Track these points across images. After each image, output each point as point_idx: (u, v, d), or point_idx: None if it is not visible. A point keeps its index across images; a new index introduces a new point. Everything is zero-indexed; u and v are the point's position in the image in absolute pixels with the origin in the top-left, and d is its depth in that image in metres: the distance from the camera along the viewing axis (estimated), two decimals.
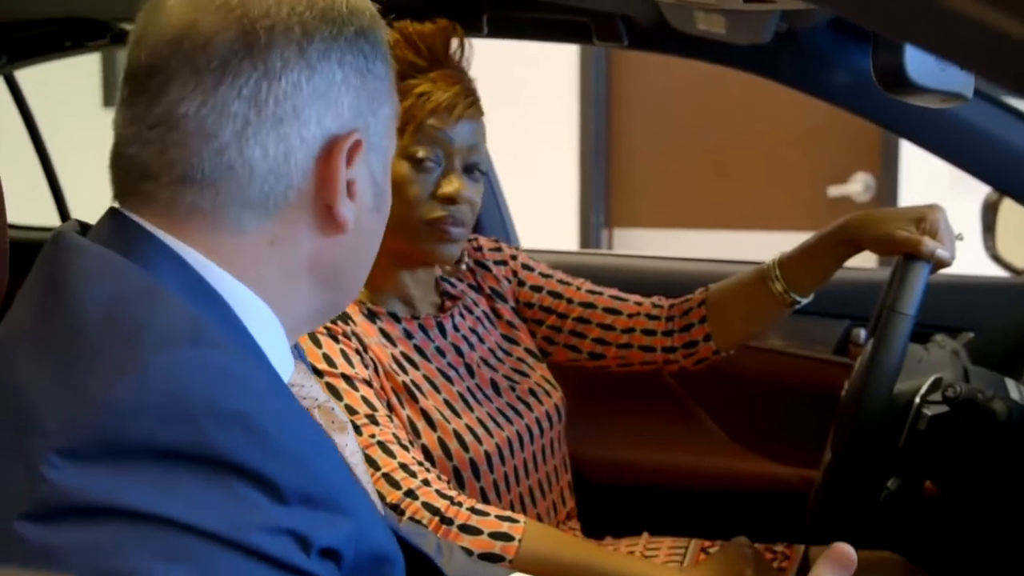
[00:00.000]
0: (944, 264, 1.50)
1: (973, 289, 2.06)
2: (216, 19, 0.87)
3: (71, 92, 4.14)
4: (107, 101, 4.39)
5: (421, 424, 1.49)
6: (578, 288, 1.77)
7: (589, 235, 4.09)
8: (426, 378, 1.54)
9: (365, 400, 1.44)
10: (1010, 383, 1.47)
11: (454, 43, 1.59)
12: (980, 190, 1.99)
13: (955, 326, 1.78)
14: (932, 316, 1.58)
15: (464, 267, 1.74)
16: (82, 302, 0.81)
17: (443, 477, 1.45)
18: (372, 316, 1.55)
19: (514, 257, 1.80)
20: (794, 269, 1.63)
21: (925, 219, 1.51)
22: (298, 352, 1.09)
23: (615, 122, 4.08)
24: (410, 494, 1.39)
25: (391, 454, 1.40)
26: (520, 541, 1.38)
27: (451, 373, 1.59)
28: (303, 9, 0.89)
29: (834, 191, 3.76)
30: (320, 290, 0.95)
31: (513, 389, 1.64)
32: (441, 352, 1.60)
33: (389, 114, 0.97)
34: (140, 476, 0.73)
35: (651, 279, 2.22)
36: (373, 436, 1.41)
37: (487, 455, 1.52)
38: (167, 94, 0.87)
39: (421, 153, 1.52)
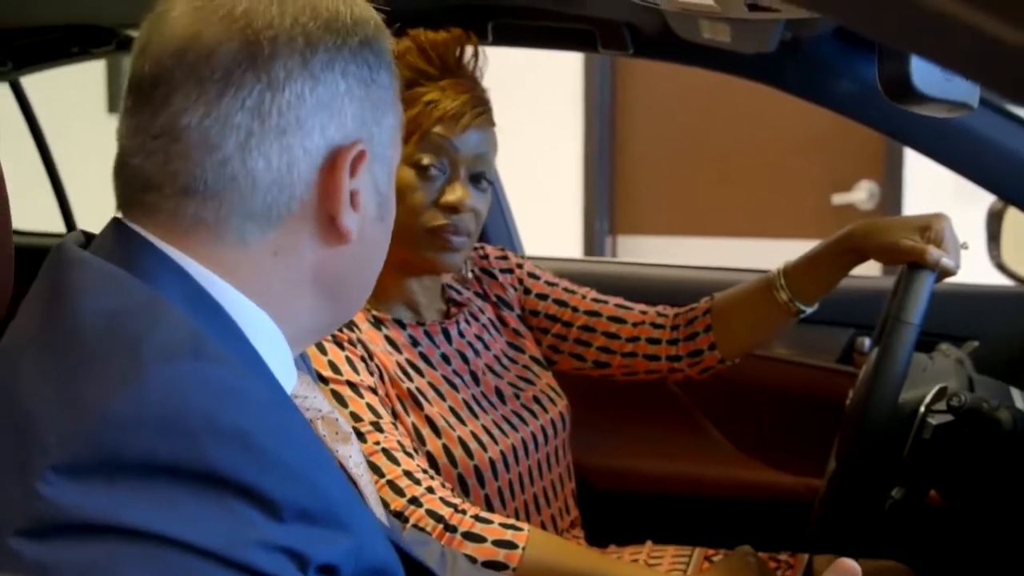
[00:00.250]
0: (949, 273, 1.50)
1: (978, 298, 2.06)
2: (219, 30, 0.87)
3: (76, 98, 4.15)
4: (112, 107, 4.40)
5: (426, 431, 1.49)
6: (583, 297, 1.77)
7: (593, 242, 4.09)
8: (431, 385, 1.54)
9: (370, 407, 1.44)
10: (1015, 392, 1.47)
11: (468, 52, 1.59)
12: (985, 199, 1.99)
13: (960, 335, 1.77)
14: (937, 325, 1.58)
15: (470, 275, 1.74)
16: (82, 315, 0.80)
17: (447, 484, 1.45)
18: (378, 323, 1.55)
19: (520, 265, 1.80)
20: (799, 278, 1.63)
21: (930, 228, 1.51)
22: (303, 361, 1.09)
23: (619, 129, 4.08)
24: (414, 501, 1.38)
25: (395, 461, 1.40)
26: (524, 549, 1.38)
27: (456, 380, 1.58)
28: (307, 20, 0.88)
29: (838, 199, 3.76)
30: (324, 301, 0.94)
31: (518, 397, 1.64)
32: (446, 359, 1.60)
33: (393, 124, 0.96)
34: (137, 492, 0.72)
35: (656, 287, 2.22)
36: (378, 443, 1.41)
37: (492, 462, 1.52)
38: (170, 105, 0.86)
39: (426, 160, 1.52)
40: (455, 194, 1.53)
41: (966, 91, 1.14)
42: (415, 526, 1.37)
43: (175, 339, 0.79)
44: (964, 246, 1.54)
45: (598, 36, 1.83)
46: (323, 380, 1.42)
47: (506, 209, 2.47)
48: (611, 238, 4.13)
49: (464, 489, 1.50)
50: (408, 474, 1.40)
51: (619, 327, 1.73)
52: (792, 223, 3.80)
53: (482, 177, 1.57)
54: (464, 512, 1.39)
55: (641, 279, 2.32)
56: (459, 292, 1.70)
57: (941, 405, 1.39)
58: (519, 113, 2.16)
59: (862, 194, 3.73)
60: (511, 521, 1.41)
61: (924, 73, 1.07)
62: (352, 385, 1.44)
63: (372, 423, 1.42)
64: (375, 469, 1.39)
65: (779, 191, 3.86)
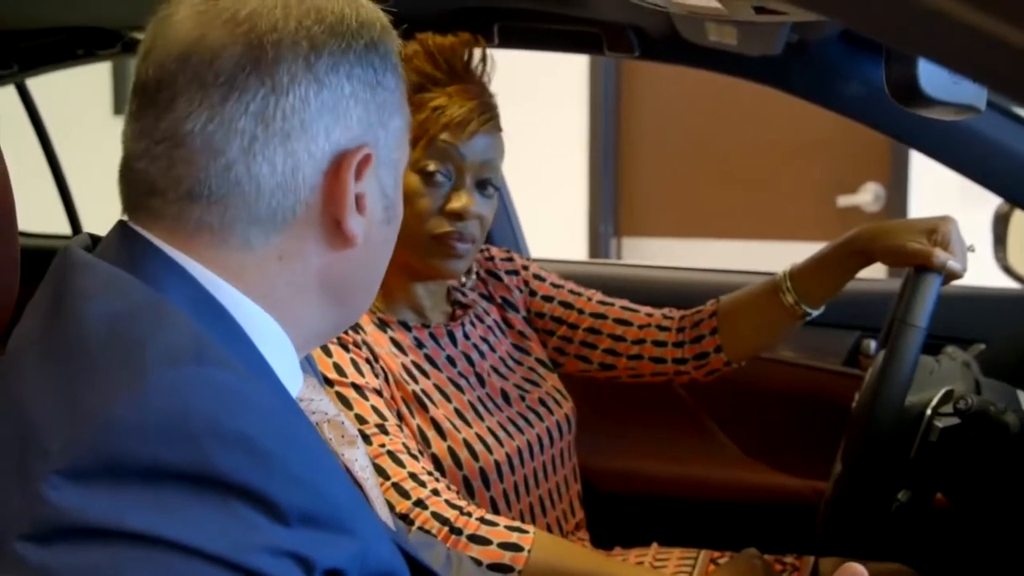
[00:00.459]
0: (956, 276, 1.50)
1: (984, 301, 2.06)
2: (223, 34, 0.86)
3: (82, 100, 4.15)
4: (117, 109, 4.40)
5: (431, 433, 1.49)
6: (589, 299, 1.76)
7: (598, 244, 4.09)
8: (437, 387, 1.54)
9: (375, 410, 1.44)
10: (1022, 395, 1.46)
11: (475, 57, 1.58)
12: (991, 201, 1.98)
13: (966, 338, 1.77)
14: (943, 328, 1.57)
15: (475, 278, 1.74)
16: (86, 319, 0.80)
17: (453, 487, 1.45)
18: (383, 325, 1.55)
19: (525, 267, 1.79)
20: (805, 281, 1.63)
21: (937, 231, 1.51)
22: (309, 364, 1.09)
23: (624, 131, 4.08)
24: (419, 504, 1.38)
25: (401, 464, 1.40)
26: (530, 552, 1.38)
27: (462, 382, 1.58)
28: (311, 23, 0.88)
29: (844, 201, 3.75)
30: (329, 305, 0.94)
31: (523, 399, 1.64)
32: (452, 361, 1.60)
33: (400, 126, 0.96)
34: (140, 497, 0.72)
35: (661, 289, 2.22)
36: (383, 446, 1.41)
37: (497, 465, 1.52)
38: (174, 110, 0.86)
39: (432, 167, 1.52)
40: (460, 201, 1.53)
41: (973, 94, 1.13)
42: (420, 528, 1.37)
43: (178, 343, 0.79)
44: (971, 249, 1.54)
45: (604, 38, 1.83)
46: (328, 383, 1.42)
47: (511, 211, 2.47)
48: (616, 240, 4.13)
49: (469, 491, 1.50)
50: (413, 476, 1.40)
51: (625, 329, 1.73)
52: (797, 225, 3.79)
53: (488, 183, 1.56)
54: (469, 514, 1.39)
55: (646, 281, 2.32)
56: (464, 294, 1.70)
57: (947, 408, 1.39)
58: (524, 116, 2.16)
59: (868, 196, 3.72)
60: (516, 524, 1.41)
61: (931, 76, 1.07)
62: (357, 387, 1.44)
63: (377, 425, 1.42)
64: (380, 471, 1.39)
65: (784, 193, 3.85)
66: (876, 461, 1.40)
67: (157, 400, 0.75)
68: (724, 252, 3.90)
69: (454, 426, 1.51)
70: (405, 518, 1.38)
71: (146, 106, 0.88)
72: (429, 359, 1.57)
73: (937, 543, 1.78)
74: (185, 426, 0.74)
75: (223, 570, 0.73)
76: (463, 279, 1.71)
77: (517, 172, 2.39)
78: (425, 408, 1.50)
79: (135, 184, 0.89)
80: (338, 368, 1.44)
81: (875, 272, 1.89)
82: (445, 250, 1.54)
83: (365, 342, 1.49)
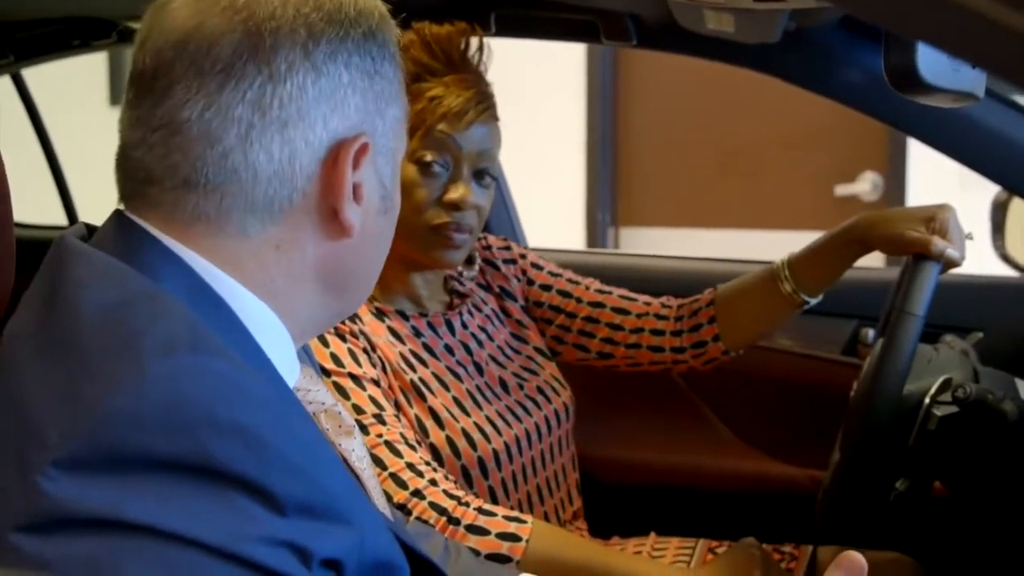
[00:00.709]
0: (954, 264, 1.49)
1: (983, 289, 2.06)
2: (221, 21, 0.86)
3: (78, 91, 4.15)
4: (114, 100, 4.40)
5: (429, 423, 1.49)
6: (587, 288, 1.76)
7: (596, 234, 4.09)
8: (435, 376, 1.54)
9: (372, 400, 1.43)
10: (1020, 383, 1.46)
11: (472, 46, 1.58)
12: (989, 189, 1.98)
13: (965, 326, 1.77)
14: (941, 316, 1.57)
15: (476, 268, 1.73)
16: (82, 309, 0.80)
17: (451, 477, 1.45)
18: (380, 314, 1.55)
19: (523, 256, 1.79)
20: (803, 269, 1.62)
21: (935, 219, 1.51)
22: (306, 354, 1.09)
23: (622, 121, 4.07)
24: (417, 494, 1.38)
25: (398, 454, 1.40)
26: (528, 541, 1.38)
27: (460, 371, 1.58)
28: (309, 11, 0.88)
29: (842, 190, 3.75)
30: (327, 295, 0.94)
31: (522, 387, 1.64)
32: (450, 350, 1.60)
33: (398, 115, 0.96)
34: (138, 487, 0.72)
35: (659, 278, 2.22)
36: (380, 436, 1.41)
37: (495, 453, 1.52)
38: (171, 97, 0.86)
39: (429, 157, 1.51)
40: (458, 192, 1.52)
41: (972, 81, 1.13)
42: (418, 519, 1.37)
43: (175, 333, 0.79)
44: (969, 237, 1.54)
45: (601, 27, 1.82)
46: (325, 372, 1.42)
47: (509, 201, 2.47)
48: (613, 230, 4.13)
49: (467, 480, 1.50)
50: (411, 466, 1.40)
51: (623, 318, 1.73)
52: (795, 214, 3.80)
53: (485, 173, 1.56)
54: (467, 504, 1.39)
55: (644, 271, 2.32)
56: (462, 283, 1.70)
57: (946, 396, 1.39)
58: (522, 106, 2.17)
59: (866, 185, 3.72)
60: (515, 513, 1.41)
61: (930, 63, 1.07)
62: (354, 377, 1.44)
63: (375, 415, 1.42)
64: (378, 461, 1.39)
65: (782, 182, 3.85)
66: (874, 450, 1.40)
67: (154, 390, 0.74)
68: (722, 241, 3.90)
69: (452, 415, 1.51)
70: (403, 508, 1.37)
71: (143, 94, 0.88)
72: (427, 348, 1.57)
73: (935, 531, 1.78)
74: (182, 416, 0.74)
75: (220, 560, 0.72)
76: (464, 269, 1.71)
77: (515, 162, 2.39)
78: (423, 397, 1.50)
79: (132, 172, 0.89)
80: (335, 358, 1.44)
81: (873, 261, 1.89)
82: (443, 241, 1.54)
83: (362, 332, 1.49)
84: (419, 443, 1.46)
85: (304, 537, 0.77)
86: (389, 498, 1.36)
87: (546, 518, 1.60)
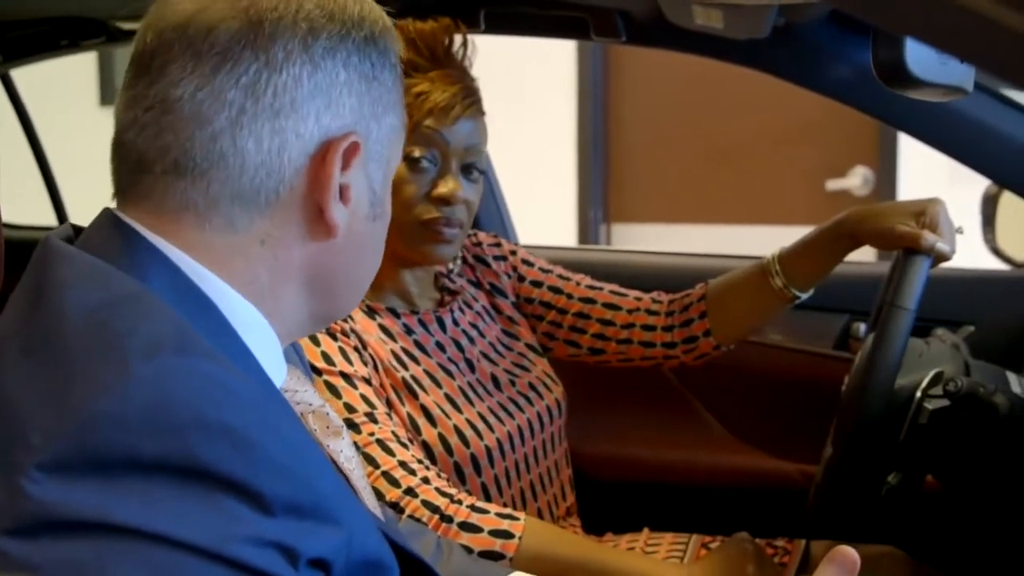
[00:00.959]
0: (944, 258, 1.49)
1: (973, 282, 2.06)
2: (224, 7, 0.87)
3: (68, 91, 4.14)
4: (104, 100, 4.38)
5: (421, 420, 1.49)
6: (578, 284, 1.76)
7: (587, 230, 4.09)
8: (427, 373, 1.54)
9: (364, 398, 1.43)
10: (1011, 376, 1.46)
11: (456, 41, 1.58)
12: (979, 183, 1.98)
13: (955, 320, 1.77)
14: (932, 310, 1.57)
15: (460, 263, 1.73)
16: (65, 310, 0.80)
17: (443, 474, 1.45)
18: (371, 312, 1.55)
19: (513, 252, 1.79)
20: (794, 264, 1.62)
21: (925, 213, 1.51)
22: (296, 354, 1.09)
23: (613, 117, 4.07)
24: (410, 492, 1.38)
25: (390, 452, 1.40)
26: (521, 538, 1.38)
27: (451, 368, 1.58)
28: (313, 7, 0.89)
29: (832, 185, 3.76)
30: (312, 297, 0.94)
31: (513, 384, 1.64)
32: (441, 347, 1.60)
33: (395, 125, 0.96)
34: (123, 489, 0.72)
35: (650, 274, 2.22)
36: (372, 434, 1.41)
37: (488, 450, 1.52)
38: (166, 75, 0.87)
39: (417, 152, 1.52)
40: (447, 186, 1.53)
41: (961, 75, 1.13)
42: (411, 517, 1.37)
43: (160, 333, 0.78)
44: (959, 230, 1.54)
45: (590, 23, 1.82)
46: (316, 371, 1.42)
47: (499, 197, 2.47)
48: (605, 226, 4.13)
49: (460, 477, 1.50)
50: (403, 464, 1.40)
51: (614, 314, 1.73)
52: (786, 209, 3.80)
53: (473, 167, 1.57)
54: (460, 502, 1.39)
55: (635, 267, 2.32)
56: (452, 280, 1.70)
57: (937, 390, 1.39)
58: (512, 102, 2.17)
59: (856, 180, 3.73)
60: (507, 511, 1.41)
61: (918, 57, 1.07)
62: (346, 376, 1.44)
63: (366, 414, 1.42)
64: (370, 460, 1.39)
65: (773, 177, 3.86)
66: (866, 444, 1.40)
67: (139, 392, 0.74)
68: (713, 237, 3.90)
69: (444, 412, 1.51)
70: (395, 507, 1.37)
71: (140, 74, 0.89)
72: (418, 345, 1.57)
73: (927, 525, 1.78)
74: (168, 417, 0.74)
75: (207, 561, 0.72)
76: (449, 264, 1.71)
77: (507, 159, 2.39)
78: (415, 395, 1.50)
79: (125, 158, 0.89)
80: (326, 357, 1.44)
81: (864, 255, 1.89)
82: (433, 236, 1.54)
83: (353, 330, 1.49)
84: (411, 441, 1.46)
85: (291, 537, 0.76)
86: (381, 496, 1.36)
87: (539, 514, 1.60)
